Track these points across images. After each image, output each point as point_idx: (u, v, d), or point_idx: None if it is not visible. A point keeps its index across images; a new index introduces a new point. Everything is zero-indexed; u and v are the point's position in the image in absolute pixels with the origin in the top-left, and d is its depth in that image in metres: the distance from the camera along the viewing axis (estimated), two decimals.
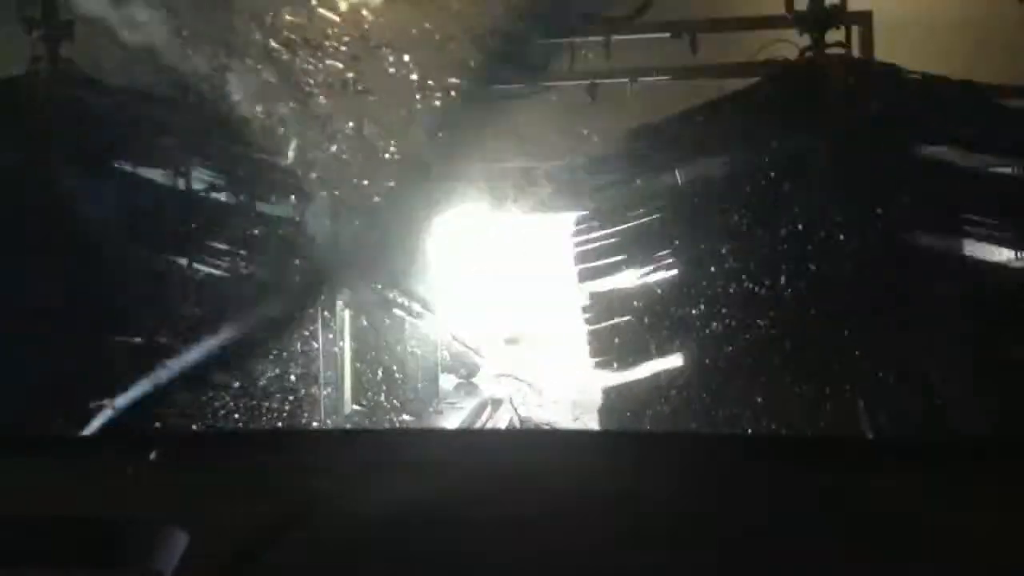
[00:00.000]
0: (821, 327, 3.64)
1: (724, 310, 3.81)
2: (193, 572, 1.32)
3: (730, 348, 3.83)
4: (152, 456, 1.78)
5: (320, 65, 3.77)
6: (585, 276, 4.33)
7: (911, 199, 3.59)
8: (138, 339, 3.83)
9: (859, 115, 3.56)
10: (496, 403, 6.48)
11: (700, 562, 1.33)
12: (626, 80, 3.84)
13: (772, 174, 3.70)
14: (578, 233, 4.44)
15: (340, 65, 3.81)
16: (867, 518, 1.47)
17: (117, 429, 3.21)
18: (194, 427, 3.80)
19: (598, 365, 4.22)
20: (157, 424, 3.68)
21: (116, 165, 3.51)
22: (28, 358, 3.50)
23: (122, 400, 3.58)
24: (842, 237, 3.64)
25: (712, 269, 3.83)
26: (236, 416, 4.05)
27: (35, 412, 3.27)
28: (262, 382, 4.01)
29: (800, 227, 3.65)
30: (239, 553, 1.35)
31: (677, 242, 4.02)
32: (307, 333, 5.06)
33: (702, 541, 1.42)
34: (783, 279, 3.70)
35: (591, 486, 1.63)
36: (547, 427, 5.14)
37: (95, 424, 3.47)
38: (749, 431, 3.48)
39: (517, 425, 5.94)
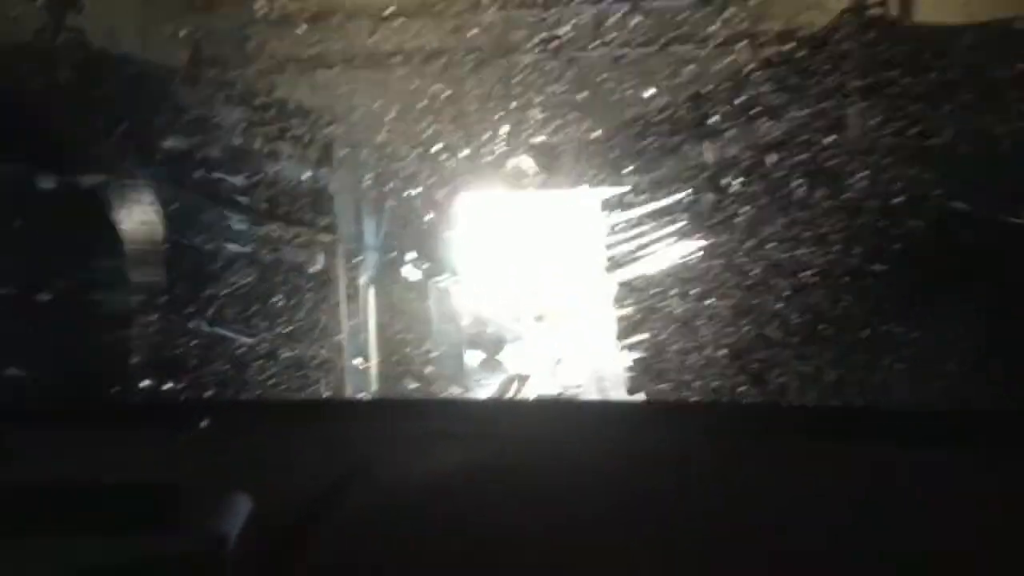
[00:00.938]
0: (884, 315, 3.47)
1: (768, 293, 3.68)
2: (259, 534, 1.33)
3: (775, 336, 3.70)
4: (203, 424, 1.79)
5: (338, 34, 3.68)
6: (617, 254, 4.22)
7: (965, 167, 3.41)
8: (173, 313, 3.78)
9: (903, 79, 3.39)
10: (523, 379, 6.43)
11: (742, 530, 1.34)
12: (654, 49, 3.70)
13: (820, 142, 3.54)
14: (610, 209, 4.34)
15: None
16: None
17: (163, 400, 3.20)
18: (237, 397, 3.80)
19: (628, 346, 4.12)
20: (201, 395, 3.67)
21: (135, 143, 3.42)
22: (75, 330, 3.47)
23: (166, 371, 3.57)
24: (897, 209, 3.47)
25: (757, 247, 3.70)
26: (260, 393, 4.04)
27: (83, 383, 3.25)
28: (284, 356, 3.97)
29: (843, 199, 3.50)
30: (305, 515, 1.37)
31: (717, 219, 3.89)
32: (330, 309, 5.02)
33: (743, 509, 1.42)
34: (839, 259, 3.55)
35: (629, 455, 1.64)
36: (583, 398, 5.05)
37: (141, 395, 3.43)
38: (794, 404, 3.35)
39: None
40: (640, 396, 4.06)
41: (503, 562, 1.34)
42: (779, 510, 1.43)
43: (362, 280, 5.63)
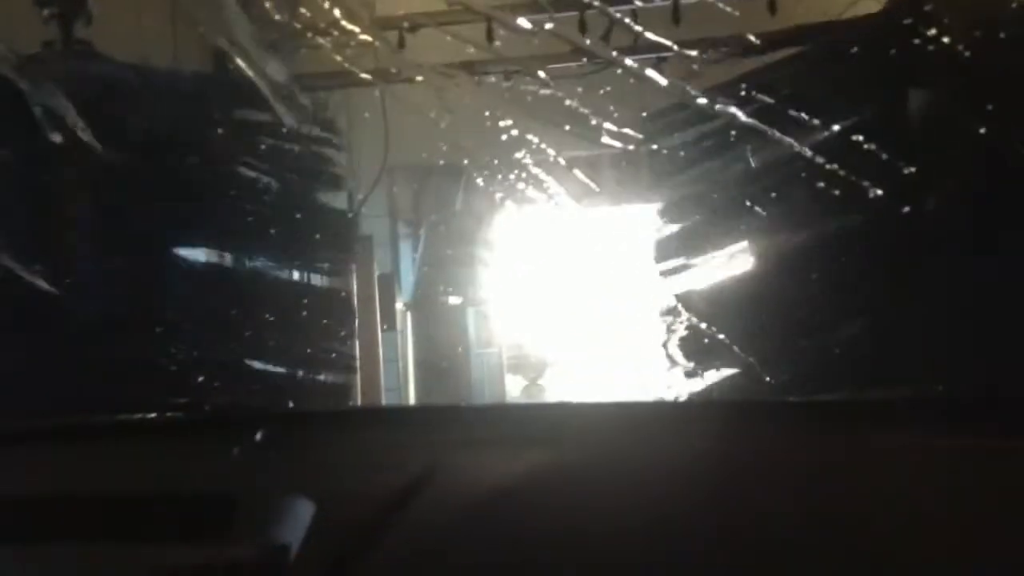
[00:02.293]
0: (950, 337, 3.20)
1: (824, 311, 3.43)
2: (322, 541, 1.31)
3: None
4: (258, 437, 1.74)
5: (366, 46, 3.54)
6: (662, 273, 4.00)
7: None
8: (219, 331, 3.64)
9: (965, 70, 3.13)
10: None
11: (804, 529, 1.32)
12: (695, 53, 3.47)
13: (883, 141, 3.28)
14: (653, 227, 4.12)
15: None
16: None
17: (217, 412, 3.10)
18: (295, 408, 3.66)
19: (682, 371, 3.88)
20: (254, 407, 3.54)
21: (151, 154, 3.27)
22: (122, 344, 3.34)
23: (216, 384, 3.45)
24: (970, 217, 3.20)
25: (815, 261, 3.45)
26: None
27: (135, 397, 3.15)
28: (314, 383, 3.81)
29: (910, 206, 3.23)
30: (368, 520, 1.34)
31: (769, 229, 3.65)
32: (367, 336, 4.88)
33: (802, 508, 1.39)
34: (908, 268, 3.28)
35: (688, 454, 1.61)
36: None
37: (195, 408, 3.36)
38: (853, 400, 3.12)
39: None
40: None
41: (568, 567, 1.31)
42: (841, 507, 1.38)
43: (399, 305, 5.50)
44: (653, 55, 3.67)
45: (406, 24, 3.80)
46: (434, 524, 1.39)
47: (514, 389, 6.68)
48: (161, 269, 3.45)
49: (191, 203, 3.45)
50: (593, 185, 4.53)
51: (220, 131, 3.52)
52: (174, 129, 3.28)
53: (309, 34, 3.60)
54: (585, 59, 3.88)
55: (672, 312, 3.66)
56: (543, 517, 1.42)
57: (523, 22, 3.26)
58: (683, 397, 3.70)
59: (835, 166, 3.33)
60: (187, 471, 1.62)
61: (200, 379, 3.35)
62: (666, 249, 3.85)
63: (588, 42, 3.54)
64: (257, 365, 3.66)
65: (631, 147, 3.93)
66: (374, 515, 1.37)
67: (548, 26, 3.33)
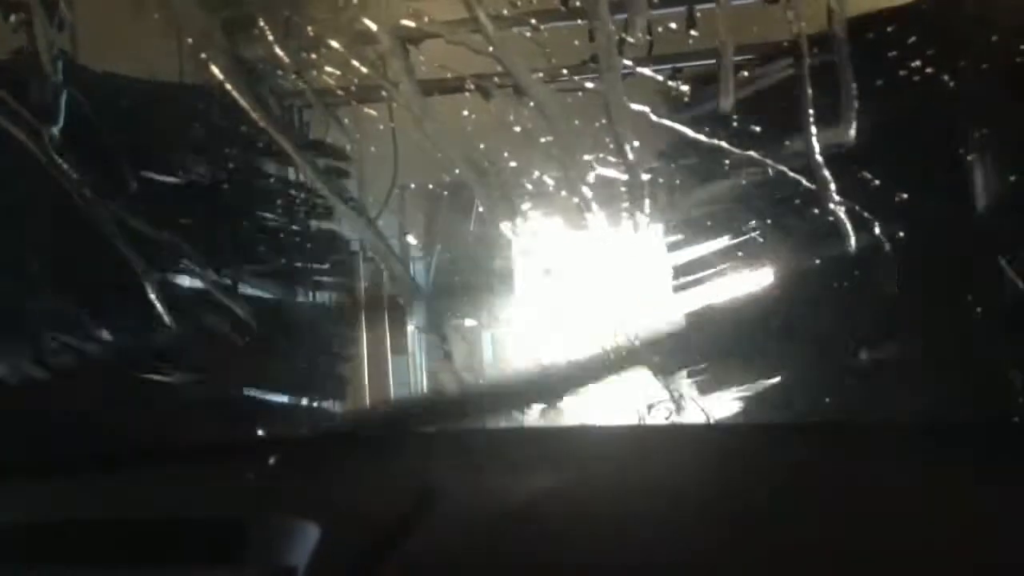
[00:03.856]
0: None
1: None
2: (329, 565, 1.35)
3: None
4: (272, 461, 1.84)
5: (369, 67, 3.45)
6: (679, 290, 3.91)
7: None
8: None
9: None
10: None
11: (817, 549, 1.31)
12: (711, 61, 3.32)
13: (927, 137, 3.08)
14: (670, 248, 4.04)
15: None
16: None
17: (231, 438, 3.12)
18: (307, 433, 3.75)
19: (699, 388, 3.79)
20: (267, 432, 3.51)
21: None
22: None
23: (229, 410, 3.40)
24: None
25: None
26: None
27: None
28: (317, 411, 3.71)
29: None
30: (375, 542, 1.38)
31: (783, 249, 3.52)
32: (378, 359, 4.79)
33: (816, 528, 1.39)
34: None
35: (701, 478, 1.63)
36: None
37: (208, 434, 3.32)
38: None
39: None
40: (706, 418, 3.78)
41: None
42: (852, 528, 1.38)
43: (410, 328, 5.39)
44: (668, 66, 3.56)
45: (411, 34, 3.70)
46: (439, 547, 1.42)
47: (532, 411, 6.55)
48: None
49: (176, 224, 3.34)
50: (608, 204, 4.44)
51: (205, 146, 3.41)
52: (153, 142, 3.18)
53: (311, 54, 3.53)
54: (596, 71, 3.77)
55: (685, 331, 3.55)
56: (548, 541, 1.44)
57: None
58: (695, 419, 3.62)
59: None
60: (198, 496, 1.68)
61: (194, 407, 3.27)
62: (681, 267, 3.77)
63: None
64: (254, 392, 3.57)
65: (646, 168, 3.85)
66: (380, 538, 1.41)
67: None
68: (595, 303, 6.33)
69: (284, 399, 3.68)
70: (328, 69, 3.75)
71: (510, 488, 1.64)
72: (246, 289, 3.72)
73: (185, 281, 3.53)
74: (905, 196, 3.06)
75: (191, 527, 1.50)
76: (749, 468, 1.69)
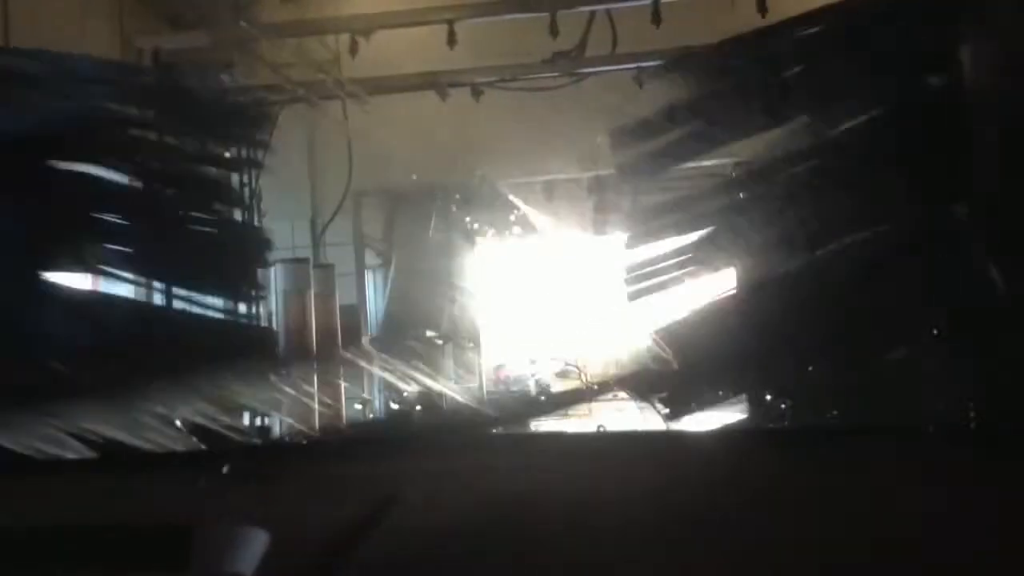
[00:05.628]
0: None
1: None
2: (277, 572, 1.33)
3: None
4: (224, 470, 1.78)
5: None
6: (634, 297, 3.77)
7: None
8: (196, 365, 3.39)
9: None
10: None
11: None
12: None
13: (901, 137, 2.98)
14: (627, 252, 3.90)
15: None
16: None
17: (184, 447, 3.00)
18: (259, 442, 3.64)
19: (669, 408, 3.65)
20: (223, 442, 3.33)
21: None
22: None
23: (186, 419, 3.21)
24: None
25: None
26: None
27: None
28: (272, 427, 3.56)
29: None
30: (323, 550, 1.37)
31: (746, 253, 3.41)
32: (329, 372, 4.63)
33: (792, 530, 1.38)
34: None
35: (668, 483, 1.63)
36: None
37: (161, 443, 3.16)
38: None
39: None
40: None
41: None
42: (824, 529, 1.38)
43: (364, 339, 5.22)
44: (634, 65, 3.44)
45: (363, 25, 3.52)
46: (391, 555, 1.40)
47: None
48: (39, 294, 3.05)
49: (67, 212, 3.04)
50: (565, 209, 4.34)
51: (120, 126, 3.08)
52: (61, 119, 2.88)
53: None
54: (557, 71, 3.64)
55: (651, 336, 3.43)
56: (500, 548, 1.42)
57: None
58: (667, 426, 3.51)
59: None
60: (147, 503, 1.65)
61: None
62: (635, 273, 3.63)
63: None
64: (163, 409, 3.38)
65: (605, 169, 3.72)
66: (329, 545, 1.39)
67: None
68: (557, 311, 6.24)
69: (233, 413, 3.51)
70: (276, 63, 3.55)
71: (464, 496, 1.62)
72: (182, 300, 3.52)
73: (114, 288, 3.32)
74: (882, 199, 2.97)
75: (138, 533, 1.43)
76: (728, 473, 1.65)
